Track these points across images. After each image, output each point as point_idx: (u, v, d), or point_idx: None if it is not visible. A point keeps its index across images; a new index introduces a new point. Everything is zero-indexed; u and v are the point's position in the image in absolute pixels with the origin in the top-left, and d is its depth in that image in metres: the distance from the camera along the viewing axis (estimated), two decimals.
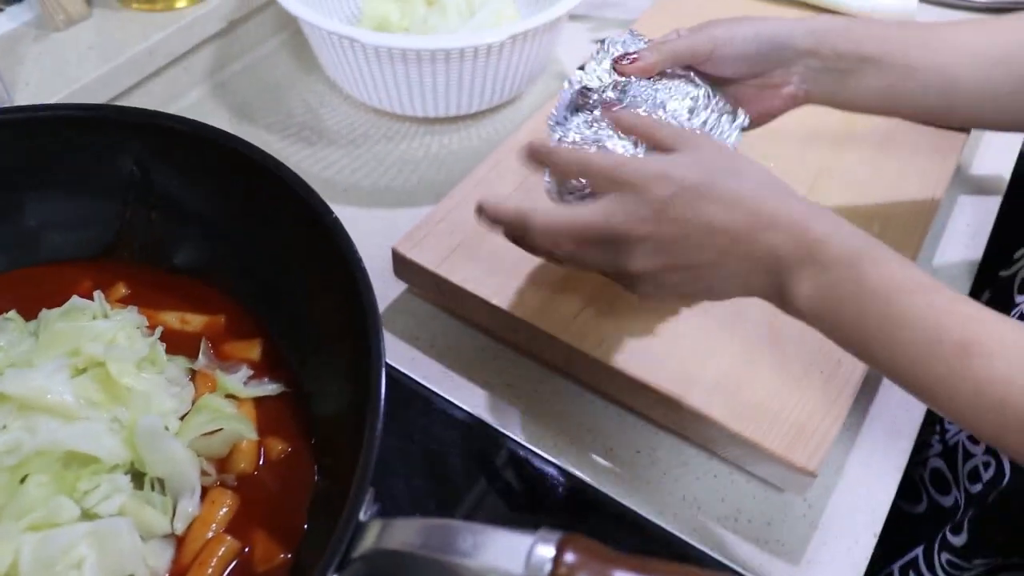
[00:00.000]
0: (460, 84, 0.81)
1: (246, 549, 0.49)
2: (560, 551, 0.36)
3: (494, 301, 0.64)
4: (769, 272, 0.48)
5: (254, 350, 0.57)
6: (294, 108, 0.90)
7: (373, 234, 0.69)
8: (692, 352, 0.62)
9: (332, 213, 0.52)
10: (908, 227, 0.72)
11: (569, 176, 0.54)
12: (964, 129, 0.79)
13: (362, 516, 0.40)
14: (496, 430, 0.62)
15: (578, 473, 0.60)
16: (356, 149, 0.86)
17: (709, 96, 0.61)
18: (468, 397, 0.65)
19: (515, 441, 0.62)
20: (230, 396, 0.54)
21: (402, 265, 0.69)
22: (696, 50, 0.61)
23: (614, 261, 0.51)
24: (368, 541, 0.40)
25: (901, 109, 0.66)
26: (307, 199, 0.53)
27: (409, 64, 0.78)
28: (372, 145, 0.86)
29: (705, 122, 0.60)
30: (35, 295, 0.58)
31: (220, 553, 0.48)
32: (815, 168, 0.77)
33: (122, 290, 0.60)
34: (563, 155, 0.54)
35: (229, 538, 0.49)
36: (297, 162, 0.84)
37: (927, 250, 0.77)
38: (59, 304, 0.56)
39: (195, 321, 0.58)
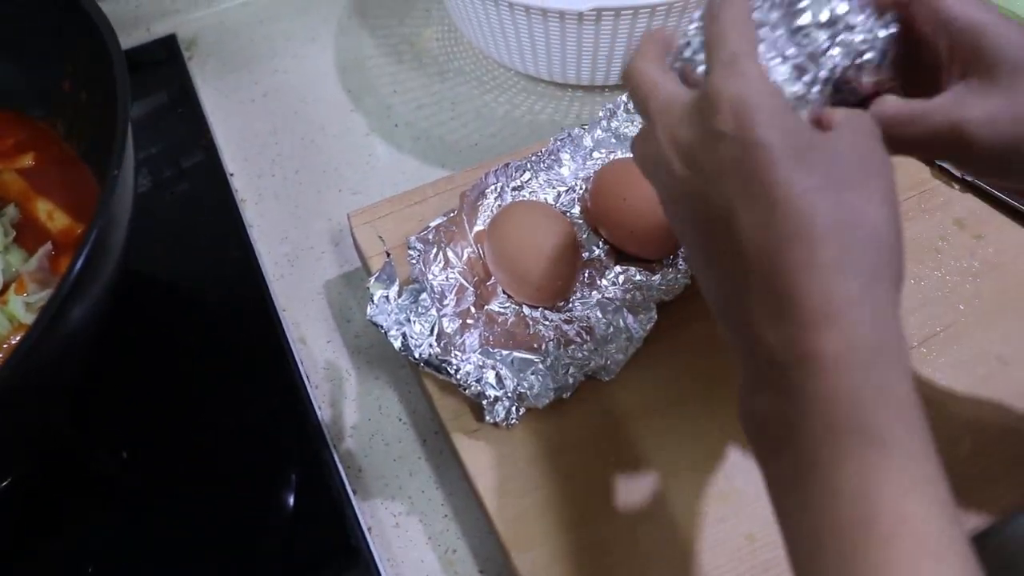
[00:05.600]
0: (579, 51, 0.64)
1: None
2: None
3: (395, 345, 0.50)
4: (741, 333, 0.31)
5: None
6: (412, 18, 0.79)
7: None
8: None
9: None
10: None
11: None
12: None
13: None
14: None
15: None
16: (445, 87, 0.73)
17: None
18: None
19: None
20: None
21: (353, 239, 0.58)
22: None
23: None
24: None
25: None
26: None
27: (534, 22, 0.62)
28: (470, 89, 0.73)
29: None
30: None
31: None
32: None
33: (28, 161, 0.55)
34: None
35: None
36: (372, 78, 0.74)
37: None
38: None
39: (59, 220, 0.53)
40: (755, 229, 0.29)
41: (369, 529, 0.51)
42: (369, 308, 0.49)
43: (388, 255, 0.51)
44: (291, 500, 0.52)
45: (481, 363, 0.48)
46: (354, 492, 0.52)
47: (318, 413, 0.55)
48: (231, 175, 0.67)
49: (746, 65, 0.32)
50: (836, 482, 0.26)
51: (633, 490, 0.47)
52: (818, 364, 0.28)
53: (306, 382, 0.56)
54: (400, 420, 0.55)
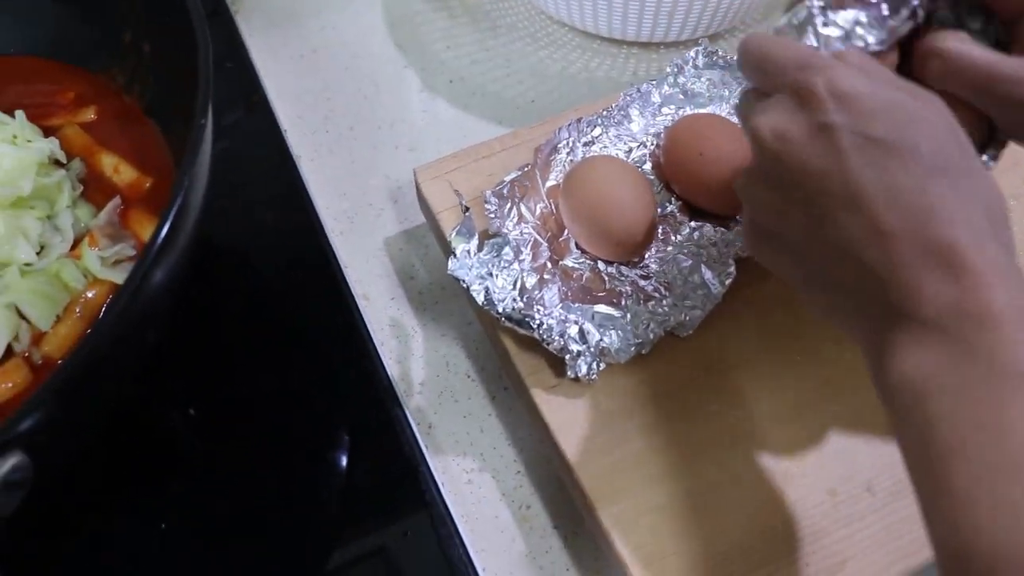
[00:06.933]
0: (642, 7, 0.63)
1: None
2: None
3: (478, 299, 0.49)
4: (880, 307, 0.33)
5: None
6: None
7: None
8: None
9: None
10: None
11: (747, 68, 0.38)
12: None
13: None
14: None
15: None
16: (498, 43, 0.72)
17: None
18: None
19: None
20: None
21: (419, 194, 0.57)
22: None
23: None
24: None
25: None
26: None
27: None
28: (523, 45, 0.72)
29: None
30: (27, 90, 0.55)
31: None
32: None
33: (90, 115, 0.55)
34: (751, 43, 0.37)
35: None
36: (423, 33, 0.73)
37: None
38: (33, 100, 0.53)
39: (125, 174, 0.52)
40: (900, 210, 0.32)
41: (443, 485, 0.51)
42: (451, 262, 0.48)
43: (467, 209, 0.51)
44: (364, 457, 0.52)
45: (563, 318, 0.48)
46: (426, 448, 0.52)
47: (387, 370, 0.55)
48: (285, 131, 0.67)
49: (822, 57, 0.35)
50: (1007, 420, 0.29)
51: (714, 444, 0.47)
52: (987, 319, 0.30)
53: (373, 339, 0.56)
54: (468, 377, 0.55)
